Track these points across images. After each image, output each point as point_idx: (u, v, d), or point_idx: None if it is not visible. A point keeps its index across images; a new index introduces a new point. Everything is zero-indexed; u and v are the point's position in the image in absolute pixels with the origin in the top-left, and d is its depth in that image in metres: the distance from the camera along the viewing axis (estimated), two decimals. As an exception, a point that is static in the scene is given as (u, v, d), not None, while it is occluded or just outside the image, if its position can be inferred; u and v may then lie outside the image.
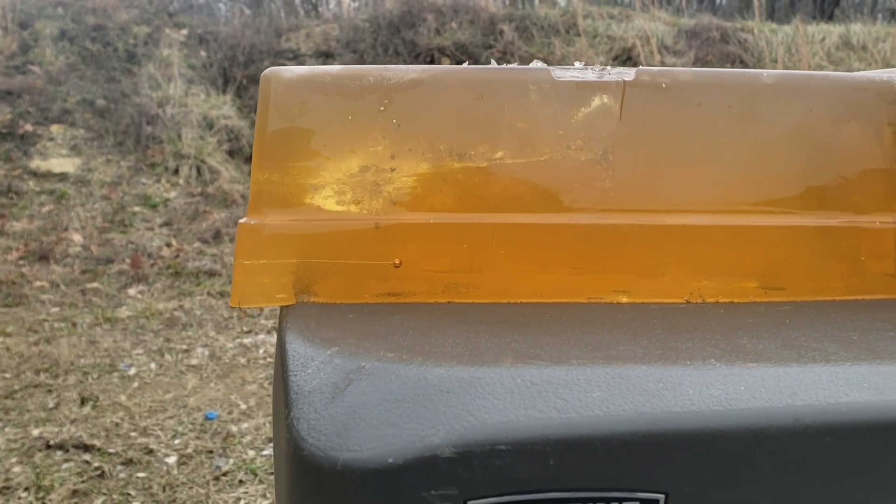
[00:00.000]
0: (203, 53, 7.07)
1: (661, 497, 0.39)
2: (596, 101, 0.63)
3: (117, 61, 6.71)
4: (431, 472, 0.37)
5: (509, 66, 0.65)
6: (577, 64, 0.66)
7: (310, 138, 0.61)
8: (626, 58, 7.15)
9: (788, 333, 0.53)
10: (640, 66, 0.64)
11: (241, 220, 0.62)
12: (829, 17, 10.82)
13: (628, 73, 0.63)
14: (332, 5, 12.30)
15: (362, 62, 7.08)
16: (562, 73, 0.63)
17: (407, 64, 7.08)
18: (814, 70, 6.81)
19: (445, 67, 0.64)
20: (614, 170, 0.63)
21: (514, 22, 7.46)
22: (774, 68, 6.84)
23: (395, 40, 7.22)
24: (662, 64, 6.98)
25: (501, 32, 7.31)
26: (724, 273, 0.64)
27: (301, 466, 0.38)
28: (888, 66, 6.96)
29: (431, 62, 7.05)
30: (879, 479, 0.41)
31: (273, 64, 7.06)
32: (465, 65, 0.68)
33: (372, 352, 0.45)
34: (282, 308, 0.60)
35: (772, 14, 11.44)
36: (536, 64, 0.67)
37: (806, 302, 0.64)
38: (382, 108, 0.62)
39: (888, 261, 0.65)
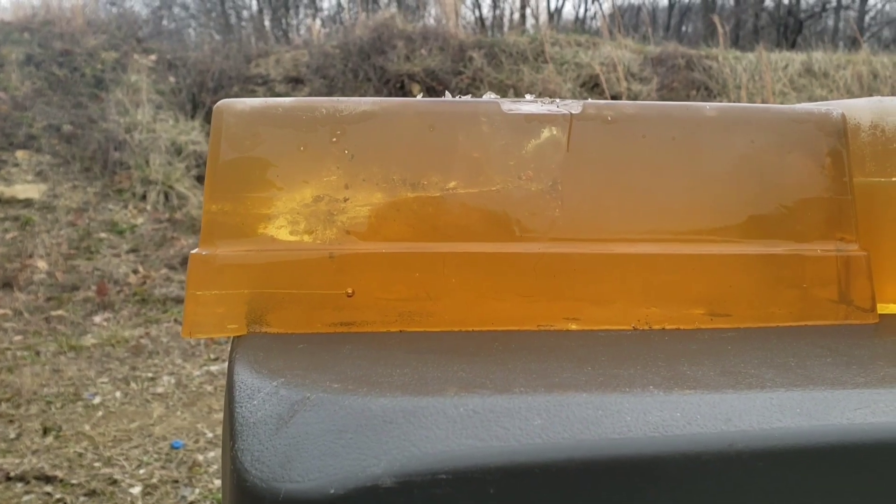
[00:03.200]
0: (172, 79, 7.05)
1: (599, 523, 0.40)
2: (545, 133, 0.64)
3: (84, 87, 6.67)
4: (373, 502, 0.37)
5: (461, 98, 0.66)
6: (528, 96, 0.68)
7: (262, 169, 0.62)
8: (594, 84, 7.24)
9: (729, 360, 0.54)
10: (588, 100, 0.65)
11: (193, 251, 0.62)
12: (792, 45, 11.07)
13: (575, 106, 0.65)
14: (302, 32, 12.35)
15: (332, 88, 7.10)
16: (510, 106, 0.64)
17: (377, 90, 7.07)
18: (777, 96, 6.95)
19: (398, 100, 0.65)
20: (563, 200, 0.65)
21: (483, 49, 7.53)
22: (738, 94, 6.97)
23: (364, 66, 7.26)
24: (629, 90, 7.08)
25: (471, 59, 7.38)
26: (671, 300, 0.65)
27: (244, 498, 0.39)
28: (849, 91, 7.12)
29: (402, 88, 7.09)
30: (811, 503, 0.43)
31: (243, 89, 7.06)
32: (419, 96, 0.69)
33: (318, 382, 0.46)
34: (233, 339, 0.60)
35: (736, 42, 11.68)
36: (489, 96, 0.68)
37: (751, 328, 0.65)
38: (335, 140, 0.62)
39: (831, 287, 0.67)
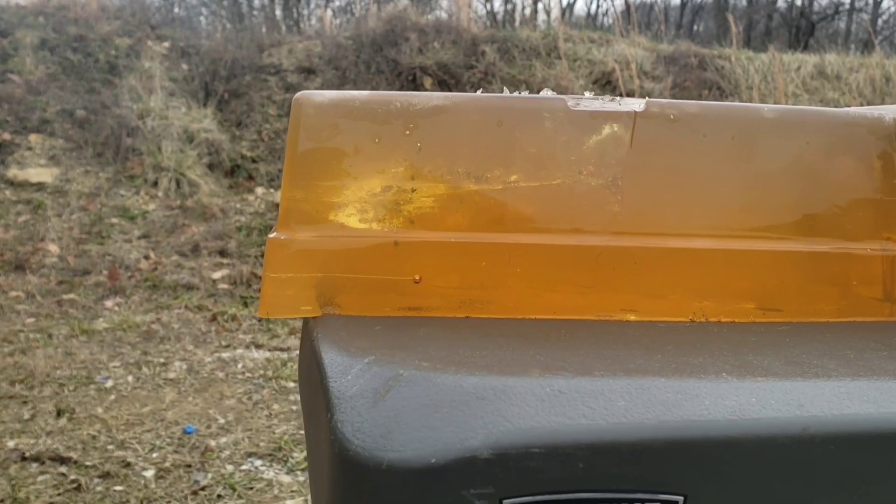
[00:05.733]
0: (185, 66, 7.07)
1: (680, 499, 0.42)
2: (607, 130, 0.67)
3: (98, 72, 6.69)
4: (471, 472, 0.40)
5: (524, 94, 0.69)
6: (586, 94, 0.70)
7: (337, 159, 0.64)
8: (606, 82, 7.25)
9: (790, 351, 0.57)
10: (649, 98, 0.68)
11: (271, 235, 0.64)
12: (804, 47, 11.06)
13: (639, 104, 0.67)
14: (313, 21, 12.34)
15: (345, 80, 7.11)
16: (576, 103, 0.67)
17: (389, 82, 7.08)
18: (789, 98, 6.95)
19: (466, 95, 0.67)
20: (623, 194, 0.67)
21: (495, 44, 7.54)
22: (751, 95, 6.98)
23: (377, 58, 7.27)
24: (642, 88, 7.09)
25: (483, 53, 7.39)
26: (724, 294, 0.67)
27: (346, 466, 0.41)
28: (861, 94, 7.11)
29: (413, 81, 7.10)
30: (880, 487, 0.45)
31: (255, 79, 7.08)
32: (479, 92, 0.71)
33: (407, 361, 0.48)
34: (306, 320, 0.63)
35: (748, 42, 11.67)
36: (547, 93, 0.70)
37: (801, 323, 0.68)
38: (408, 132, 0.65)
39: (877, 286, 0.70)
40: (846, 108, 0.72)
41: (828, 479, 0.44)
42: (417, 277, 0.64)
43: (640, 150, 0.67)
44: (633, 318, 0.66)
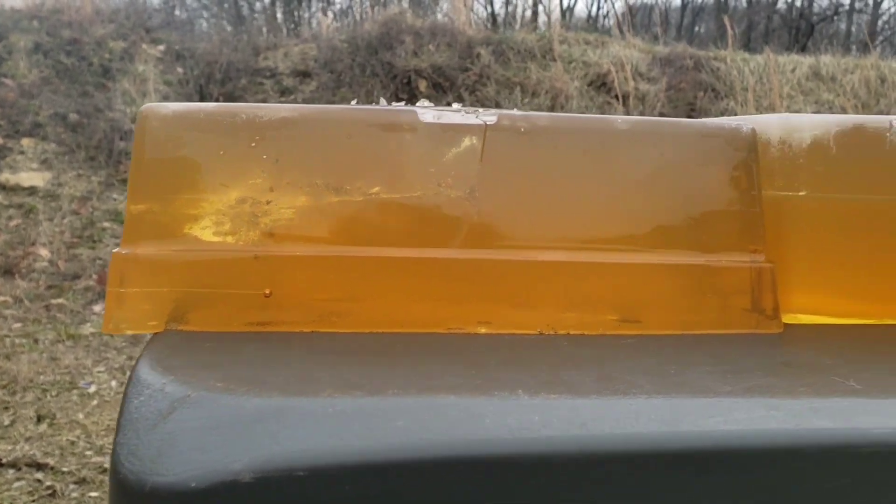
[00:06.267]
0: (179, 70, 7.08)
1: (447, 520, 0.42)
2: (464, 142, 0.67)
3: (91, 76, 6.71)
4: (231, 496, 0.39)
5: (381, 106, 0.68)
6: (455, 105, 0.70)
7: (185, 171, 0.64)
8: (601, 83, 7.24)
9: (613, 366, 0.56)
10: (503, 110, 0.68)
11: (115, 250, 0.64)
12: (803, 49, 11.02)
13: (491, 117, 0.67)
14: (314, 25, 12.36)
15: (339, 83, 7.12)
16: (429, 116, 0.67)
17: (384, 85, 7.08)
18: (784, 99, 6.93)
19: (317, 107, 0.67)
20: (480, 207, 0.67)
21: (491, 46, 7.53)
22: (745, 97, 6.96)
23: (372, 61, 7.27)
24: (636, 90, 7.08)
25: (478, 56, 7.38)
26: (582, 306, 0.67)
27: (117, 489, 0.41)
28: (856, 96, 7.09)
29: (408, 84, 7.10)
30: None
31: (251, 82, 7.09)
32: (353, 103, 0.71)
33: (203, 381, 0.48)
34: (150, 336, 0.62)
35: (747, 44, 11.63)
36: (422, 104, 0.70)
37: (657, 336, 0.67)
38: (254, 144, 0.65)
39: (744, 297, 0.69)
40: (703, 119, 0.72)
41: (607, 498, 0.44)
42: (268, 291, 0.64)
43: (492, 163, 0.67)
44: (484, 330, 0.66)
